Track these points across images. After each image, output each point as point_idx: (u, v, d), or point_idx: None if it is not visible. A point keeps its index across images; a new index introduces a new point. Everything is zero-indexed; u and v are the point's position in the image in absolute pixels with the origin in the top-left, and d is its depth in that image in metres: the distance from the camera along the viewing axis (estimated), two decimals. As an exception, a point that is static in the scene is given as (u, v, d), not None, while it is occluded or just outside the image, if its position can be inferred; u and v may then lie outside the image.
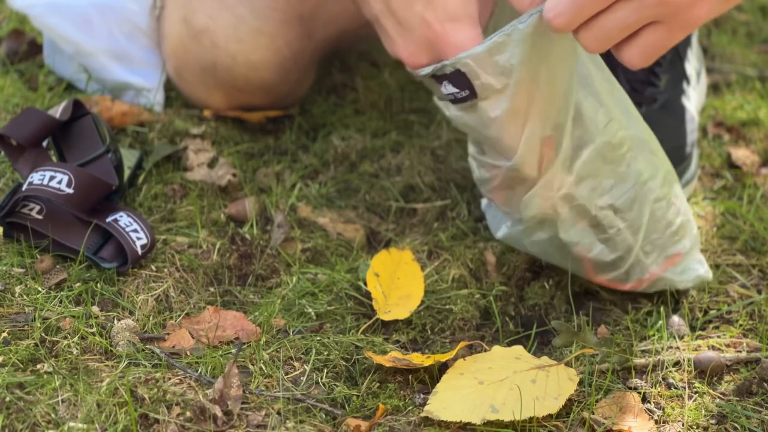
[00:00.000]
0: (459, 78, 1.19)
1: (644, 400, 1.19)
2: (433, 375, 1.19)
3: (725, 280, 1.38)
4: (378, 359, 1.19)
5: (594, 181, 1.24)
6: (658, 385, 1.21)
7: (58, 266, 1.28)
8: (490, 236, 1.39)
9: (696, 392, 1.21)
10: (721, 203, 1.52)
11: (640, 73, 1.52)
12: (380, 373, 1.20)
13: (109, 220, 1.29)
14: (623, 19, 1.10)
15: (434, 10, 1.21)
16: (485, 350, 1.21)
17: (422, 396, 1.17)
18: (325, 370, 1.20)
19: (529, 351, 1.21)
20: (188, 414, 1.11)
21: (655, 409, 1.18)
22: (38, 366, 1.16)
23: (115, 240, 1.29)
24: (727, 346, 1.28)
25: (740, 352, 1.27)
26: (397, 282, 1.31)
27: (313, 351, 1.22)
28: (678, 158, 1.51)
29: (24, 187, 1.28)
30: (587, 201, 1.25)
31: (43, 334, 1.20)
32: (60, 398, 1.11)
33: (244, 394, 1.14)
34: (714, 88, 1.79)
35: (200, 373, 1.17)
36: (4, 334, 1.19)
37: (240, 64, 1.40)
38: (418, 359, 1.19)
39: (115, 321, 1.23)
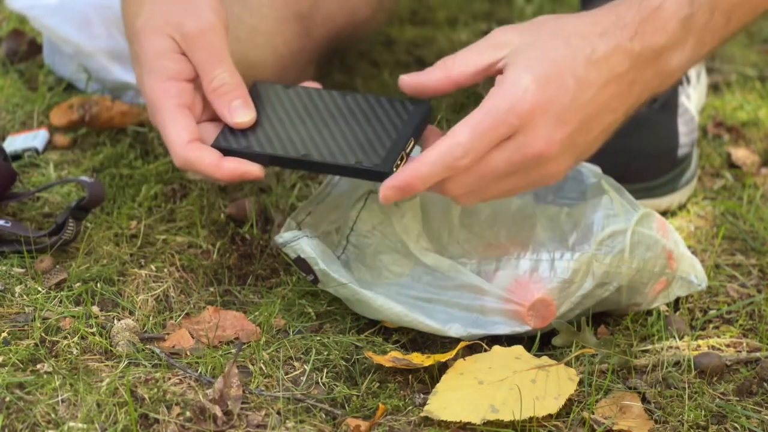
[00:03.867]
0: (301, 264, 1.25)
1: (644, 400, 1.19)
2: (433, 375, 1.19)
3: (725, 280, 1.38)
4: (378, 359, 1.19)
5: None
6: (658, 385, 1.21)
7: (58, 266, 1.28)
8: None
9: (696, 392, 1.20)
10: (721, 203, 1.52)
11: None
12: (380, 373, 1.20)
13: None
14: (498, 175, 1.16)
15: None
16: (485, 350, 1.20)
17: (422, 396, 1.17)
18: (325, 370, 1.20)
19: (529, 351, 1.21)
20: (188, 414, 1.11)
21: (655, 409, 1.18)
22: (38, 366, 1.16)
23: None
24: (727, 346, 1.28)
25: (740, 352, 1.27)
26: (397, 282, 1.31)
27: (313, 351, 1.22)
28: (677, 158, 1.51)
29: None
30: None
31: (43, 334, 1.19)
32: (60, 398, 1.11)
33: (244, 394, 1.14)
34: (714, 88, 1.79)
35: (200, 373, 1.17)
36: (4, 334, 1.19)
37: (238, 63, 1.39)
38: (418, 359, 1.19)
39: (115, 321, 1.23)
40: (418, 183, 1.14)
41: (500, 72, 1.17)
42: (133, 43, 1.25)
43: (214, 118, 1.25)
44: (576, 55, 1.15)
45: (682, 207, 1.52)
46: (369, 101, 1.24)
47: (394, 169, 1.16)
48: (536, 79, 1.14)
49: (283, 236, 1.24)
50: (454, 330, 1.21)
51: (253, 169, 1.20)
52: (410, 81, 1.20)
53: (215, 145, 1.21)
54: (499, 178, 1.16)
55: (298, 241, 1.23)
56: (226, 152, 1.21)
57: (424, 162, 1.14)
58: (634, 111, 1.21)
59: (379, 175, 1.17)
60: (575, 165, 1.20)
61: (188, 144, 1.20)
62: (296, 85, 1.26)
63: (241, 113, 1.23)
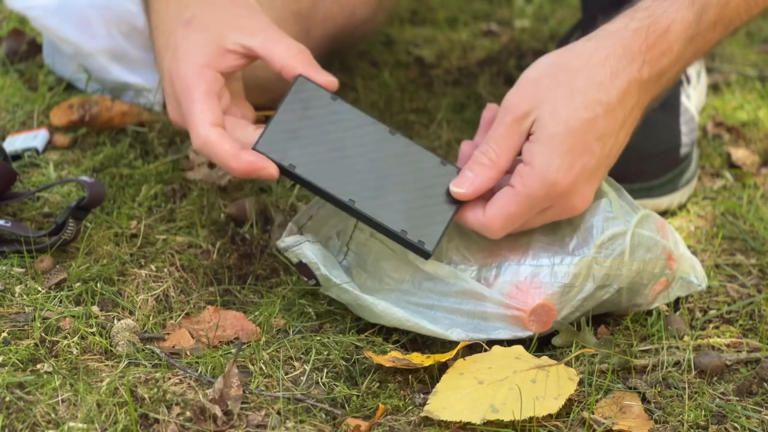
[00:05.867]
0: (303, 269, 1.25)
1: (644, 400, 1.19)
2: (433, 375, 1.19)
3: (725, 280, 1.38)
4: (378, 359, 1.19)
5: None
6: (658, 385, 1.21)
7: (58, 266, 1.28)
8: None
9: (696, 392, 1.20)
10: (721, 203, 1.52)
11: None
12: (380, 373, 1.20)
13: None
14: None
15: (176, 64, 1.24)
16: (485, 350, 1.21)
17: (422, 396, 1.17)
18: (325, 370, 1.20)
19: (529, 351, 1.21)
20: (188, 414, 1.11)
21: (655, 409, 1.18)
22: (38, 366, 1.16)
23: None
24: (727, 346, 1.28)
25: (740, 352, 1.27)
26: (397, 282, 1.31)
27: (313, 351, 1.22)
28: (678, 158, 1.51)
29: None
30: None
31: (43, 334, 1.20)
32: (60, 398, 1.11)
33: (244, 394, 1.14)
34: (714, 88, 1.79)
35: (200, 373, 1.17)
36: (4, 334, 1.19)
37: None
38: (418, 359, 1.19)
39: (115, 321, 1.23)
40: None
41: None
42: (173, 33, 1.25)
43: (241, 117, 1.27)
44: (596, 114, 1.18)
45: (682, 207, 1.52)
46: (416, 152, 1.23)
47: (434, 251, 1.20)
48: (565, 155, 1.17)
49: (285, 241, 1.24)
50: (455, 334, 1.21)
51: (270, 170, 1.20)
52: (463, 192, 1.21)
53: (256, 149, 1.20)
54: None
55: (300, 246, 1.23)
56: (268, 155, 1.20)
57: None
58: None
59: (422, 253, 1.20)
60: None
61: (212, 126, 1.21)
62: (342, 99, 1.24)
63: (325, 73, 1.24)
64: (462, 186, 1.20)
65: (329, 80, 1.24)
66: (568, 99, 1.18)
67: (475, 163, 1.20)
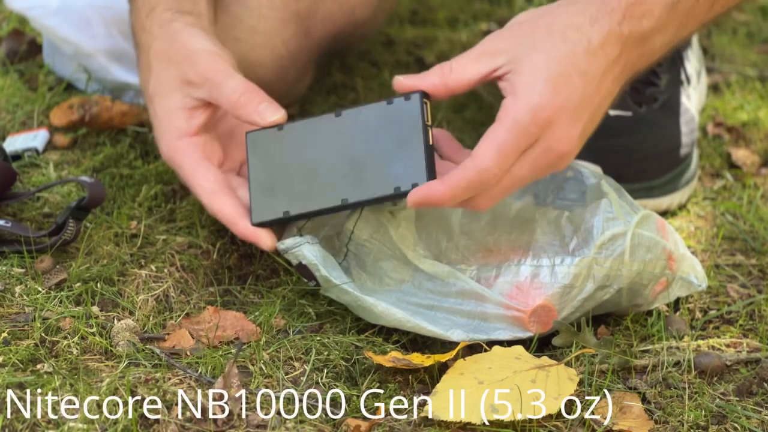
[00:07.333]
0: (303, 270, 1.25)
1: (644, 400, 1.19)
2: (433, 375, 1.19)
3: (725, 280, 1.38)
4: (378, 359, 1.19)
5: None
6: (658, 386, 1.21)
7: (58, 266, 1.28)
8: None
9: (696, 392, 1.20)
10: (721, 203, 1.52)
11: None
12: (380, 374, 1.20)
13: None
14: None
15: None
16: (485, 350, 1.21)
17: (422, 396, 1.17)
18: (325, 371, 1.20)
19: (529, 351, 1.21)
20: (188, 414, 1.11)
21: (655, 410, 1.18)
22: (38, 366, 1.16)
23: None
24: (727, 346, 1.28)
25: (740, 352, 1.27)
26: (397, 282, 1.31)
27: (313, 351, 1.22)
28: (678, 158, 1.51)
29: None
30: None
31: (43, 334, 1.19)
32: (60, 398, 1.11)
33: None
34: (714, 88, 1.79)
35: (200, 373, 1.17)
36: (4, 334, 1.19)
37: (237, 63, 1.39)
38: (418, 359, 1.19)
39: (115, 321, 1.23)
40: (447, 202, 1.17)
41: (499, 79, 1.17)
42: (149, 108, 1.31)
43: (237, 167, 1.31)
44: (575, 49, 1.16)
45: (682, 207, 1.52)
46: (364, 114, 1.23)
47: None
48: (547, 82, 1.15)
49: (284, 242, 1.24)
50: (456, 335, 1.21)
51: (267, 244, 1.25)
52: (405, 82, 1.20)
53: (256, 223, 1.24)
54: (522, 183, 1.19)
55: (299, 248, 1.23)
56: (268, 224, 1.24)
57: (455, 187, 1.16)
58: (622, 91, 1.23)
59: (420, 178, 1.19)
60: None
61: (211, 195, 1.25)
62: (283, 124, 1.25)
63: (271, 113, 1.25)
64: (407, 79, 1.20)
65: (275, 119, 1.25)
66: (547, 36, 1.17)
67: (428, 71, 1.20)
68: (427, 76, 1.19)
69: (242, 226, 1.25)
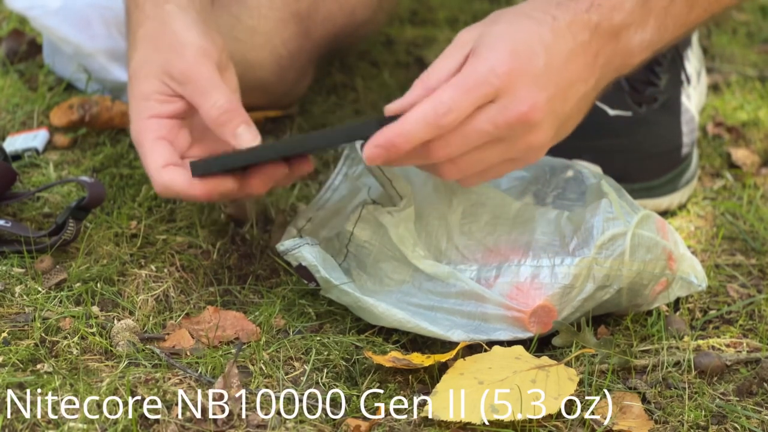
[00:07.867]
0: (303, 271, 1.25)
1: (644, 400, 1.19)
2: (433, 375, 1.19)
3: (725, 280, 1.38)
4: (378, 359, 1.19)
5: None
6: (658, 386, 1.21)
7: (58, 266, 1.28)
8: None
9: (696, 392, 1.21)
10: (721, 203, 1.52)
11: (641, 73, 1.52)
12: (380, 374, 1.20)
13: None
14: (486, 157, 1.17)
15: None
16: (485, 350, 1.21)
17: (422, 396, 1.17)
18: (325, 370, 1.20)
19: (529, 351, 1.21)
20: (188, 414, 1.11)
21: (655, 410, 1.18)
22: (38, 366, 1.16)
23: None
24: (727, 346, 1.28)
25: (740, 352, 1.27)
26: (397, 282, 1.31)
27: (313, 351, 1.22)
28: (678, 158, 1.51)
29: None
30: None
31: (43, 334, 1.20)
32: (60, 398, 1.11)
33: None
34: (714, 88, 1.79)
35: (200, 373, 1.17)
36: (4, 334, 1.19)
37: (236, 63, 1.40)
38: (418, 359, 1.19)
39: (115, 321, 1.23)
40: (401, 141, 1.13)
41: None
42: (128, 85, 1.29)
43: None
44: (540, 24, 1.16)
45: (682, 207, 1.52)
46: (327, 131, 1.23)
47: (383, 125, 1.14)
48: (507, 47, 1.15)
49: (284, 244, 1.24)
50: (456, 336, 1.21)
51: (227, 183, 1.22)
52: (395, 107, 1.17)
53: (196, 175, 1.22)
54: (484, 145, 1.16)
55: (299, 249, 1.23)
56: (205, 167, 1.22)
57: (408, 120, 1.13)
58: (603, 90, 1.22)
59: (378, 123, 1.14)
60: (556, 141, 1.19)
61: (162, 168, 1.24)
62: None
63: (248, 138, 1.24)
64: (394, 104, 1.17)
65: (250, 146, 1.24)
66: (512, 15, 1.18)
67: (411, 88, 1.18)
68: (411, 93, 1.17)
69: (199, 182, 1.22)
